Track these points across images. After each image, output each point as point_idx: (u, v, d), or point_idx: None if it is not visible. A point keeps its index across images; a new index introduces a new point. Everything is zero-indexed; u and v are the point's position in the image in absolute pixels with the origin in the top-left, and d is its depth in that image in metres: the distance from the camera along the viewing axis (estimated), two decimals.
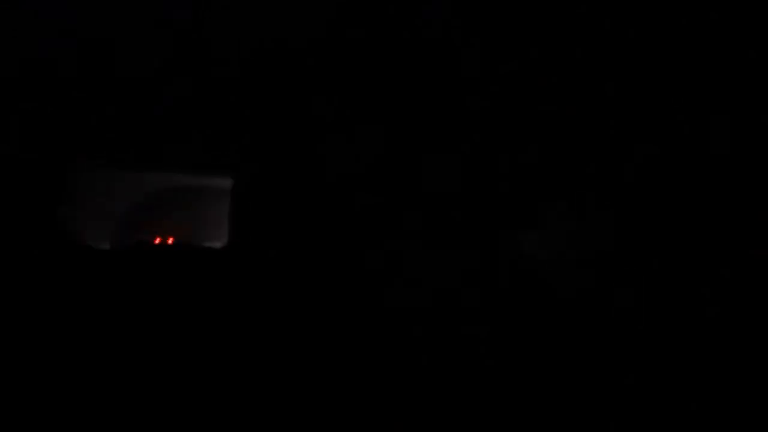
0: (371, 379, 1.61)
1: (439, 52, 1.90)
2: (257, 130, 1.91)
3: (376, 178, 1.85)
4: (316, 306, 1.69)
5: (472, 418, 1.58)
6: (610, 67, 1.85)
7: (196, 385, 1.56)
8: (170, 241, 1.91)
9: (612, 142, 1.83)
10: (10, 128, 1.83)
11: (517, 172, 1.86)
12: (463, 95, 1.89)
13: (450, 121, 1.88)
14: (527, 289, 1.75)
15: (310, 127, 1.90)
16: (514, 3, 1.89)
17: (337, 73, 1.91)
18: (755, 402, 1.56)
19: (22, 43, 1.86)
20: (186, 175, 1.96)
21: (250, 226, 1.85)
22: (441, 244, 1.82)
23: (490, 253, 1.80)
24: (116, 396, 1.52)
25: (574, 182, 1.83)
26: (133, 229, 1.89)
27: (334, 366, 1.62)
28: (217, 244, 1.86)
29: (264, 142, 1.90)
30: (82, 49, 1.88)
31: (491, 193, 1.84)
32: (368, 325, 1.68)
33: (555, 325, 1.70)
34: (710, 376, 1.60)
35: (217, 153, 1.92)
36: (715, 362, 1.61)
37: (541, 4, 1.88)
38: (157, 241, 1.91)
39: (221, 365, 1.59)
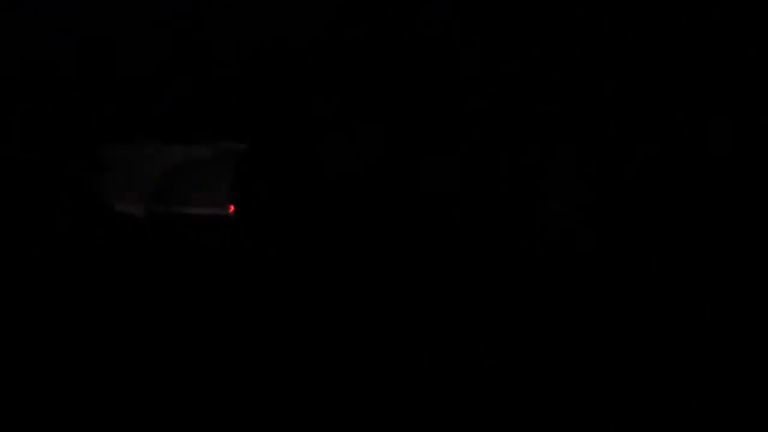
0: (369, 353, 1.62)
1: (439, 52, 1.90)
2: (257, 129, 1.91)
3: (376, 177, 1.86)
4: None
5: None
6: (610, 67, 1.85)
7: (209, 345, 1.62)
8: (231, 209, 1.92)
9: (612, 142, 1.83)
10: (10, 127, 1.84)
11: (516, 171, 1.86)
12: (463, 95, 1.89)
13: (450, 120, 1.88)
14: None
15: (309, 127, 1.90)
16: (514, 3, 1.89)
17: (337, 73, 1.91)
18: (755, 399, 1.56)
19: (22, 43, 1.86)
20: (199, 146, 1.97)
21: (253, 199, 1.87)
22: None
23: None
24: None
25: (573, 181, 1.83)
26: (164, 199, 1.91)
27: (330, 351, 1.63)
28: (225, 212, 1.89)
29: (263, 141, 1.90)
30: (82, 49, 1.88)
31: (491, 193, 1.84)
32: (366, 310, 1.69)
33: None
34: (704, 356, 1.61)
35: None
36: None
37: (541, 4, 1.88)
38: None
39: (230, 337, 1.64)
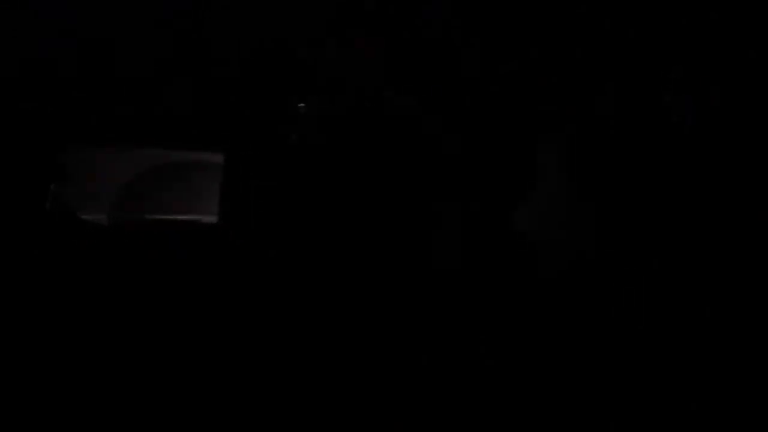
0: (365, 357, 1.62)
1: (439, 52, 1.90)
2: (256, 128, 1.91)
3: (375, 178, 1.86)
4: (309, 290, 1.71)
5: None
6: (610, 67, 1.85)
7: (188, 358, 1.60)
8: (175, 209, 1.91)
9: (612, 142, 1.83)
10: (9, 128, 1.83)
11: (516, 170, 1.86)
12: (463, 95, 1.89)
13: (450, 120, 1.88)
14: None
15: (309, 128, 1.90)
16: (514, 3, 1.89)
17: (337, 73, 1.91)
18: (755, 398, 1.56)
19: (22, 43, 1.86)
20: (179, 151, 1.96)
21: (241, 202, 1.86)
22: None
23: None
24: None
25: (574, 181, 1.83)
26: (129, 205, 1.90)
27: (326, 354, 1.63)
28: (212, 219, 1.88)
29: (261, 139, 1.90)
30: (82, 49, 1.88)
31: (491, 194, 1.84)
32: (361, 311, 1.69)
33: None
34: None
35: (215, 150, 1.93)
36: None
37: (541, 4, 1.88)
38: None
39: (216, 340, 1.62)
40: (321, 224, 1.81)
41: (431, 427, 1.57)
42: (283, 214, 1.83)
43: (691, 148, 1.79)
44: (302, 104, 1.84)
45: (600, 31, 1.85)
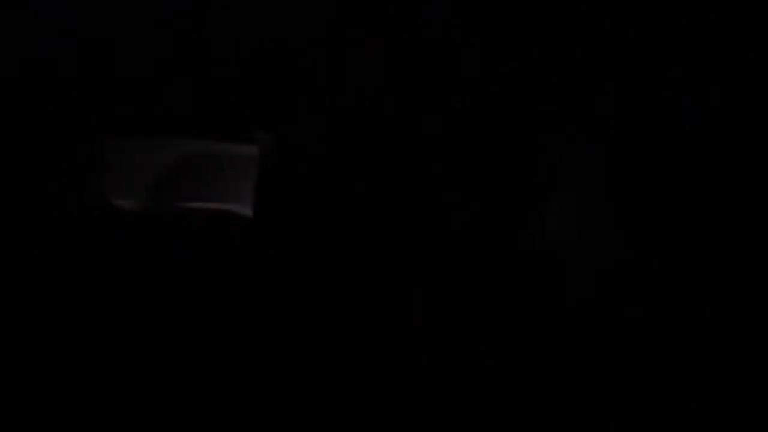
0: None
1: (439, 52, 1.90)
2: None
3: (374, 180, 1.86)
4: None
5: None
6: (610, 67, 1.85)
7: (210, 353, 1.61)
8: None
9: (613, 142, 1.83)
10: (8, 128, 1.84)
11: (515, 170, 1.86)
12: (463, 95, 1.89)
13: (449, 121, 1.88)
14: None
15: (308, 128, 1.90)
16: (514, 3, 1.89)
17: (336, 72, 1.91)
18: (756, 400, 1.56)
19: (22, 43, 1.86)
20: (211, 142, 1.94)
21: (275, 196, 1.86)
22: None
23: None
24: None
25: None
26: (161, 194, 1.89)
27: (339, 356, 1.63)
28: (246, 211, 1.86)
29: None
30: (82, 49, 1.88)
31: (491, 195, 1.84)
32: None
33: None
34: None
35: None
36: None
37: (541, 4, 1.88)
38: None
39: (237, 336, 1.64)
40: (331, 224, 1.81)
41: (431, 427, 1.57)
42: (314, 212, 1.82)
43: (691, 148, 1.79)
44: (261, 131, 1.83)
45: (600, 31, 1.85)
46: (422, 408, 1.58)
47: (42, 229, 1.71)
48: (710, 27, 1.80)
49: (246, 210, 1.83)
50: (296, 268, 1.73)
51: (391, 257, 1.76)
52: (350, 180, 1.84)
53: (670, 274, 1.71)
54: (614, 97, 1.84)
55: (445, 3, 1.91)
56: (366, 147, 1.86)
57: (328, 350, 1.64)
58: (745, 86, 1.79)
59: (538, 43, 1.87)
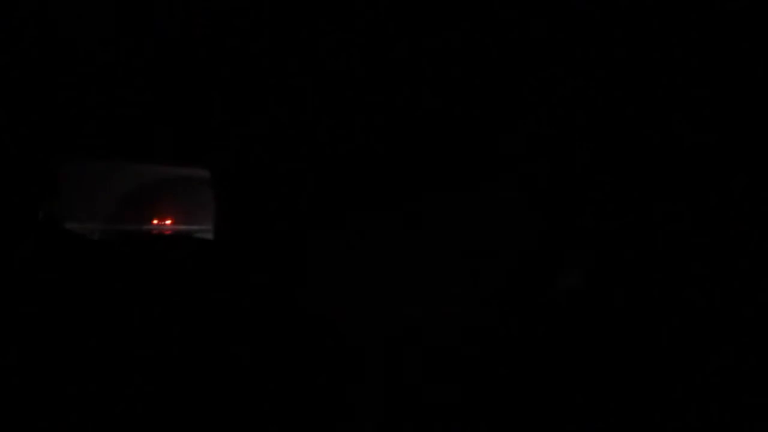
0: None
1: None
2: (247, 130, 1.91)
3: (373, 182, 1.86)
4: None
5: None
6: (611, 67, 1.85)
7: (182, 370, 1.58)
8: (168, 222, 1.91)
9: (612, 142, 1.83)
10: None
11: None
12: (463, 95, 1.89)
13: (450, 121, 1.88)
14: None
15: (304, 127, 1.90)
16: (515, 3, 1.89)
17: (336, 73, 1.91)
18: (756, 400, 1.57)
19: (10, 44, 1.85)
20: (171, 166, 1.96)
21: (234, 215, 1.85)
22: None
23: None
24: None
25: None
26: (122, 219, 1.89)
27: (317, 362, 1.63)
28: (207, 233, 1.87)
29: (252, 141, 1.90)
30: (70, 49, 1.87)
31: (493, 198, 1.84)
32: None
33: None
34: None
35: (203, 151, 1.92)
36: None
37: (541, 4, 1.87)
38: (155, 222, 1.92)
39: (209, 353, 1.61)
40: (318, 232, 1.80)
41: (430, 427, 1.58)
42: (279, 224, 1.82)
43: (692, 148, 1.79)
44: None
45: (600, 30, 1.85)
46: (419, 407, 1.59)
47: None
48: (710, 27, 1.80)
49: (206, 232, 1.83)
50: (256, 289, 1.72)
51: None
52: (349, 181, 1.85)
53: (666, 272, 1.72)
54: (614, 98, 1.84)
55: None
56: (365, 149, 1.87)
57: (283, 373, 1.62)
58: (745, 86, 1.79)
59: (537, 43, 1.87)
